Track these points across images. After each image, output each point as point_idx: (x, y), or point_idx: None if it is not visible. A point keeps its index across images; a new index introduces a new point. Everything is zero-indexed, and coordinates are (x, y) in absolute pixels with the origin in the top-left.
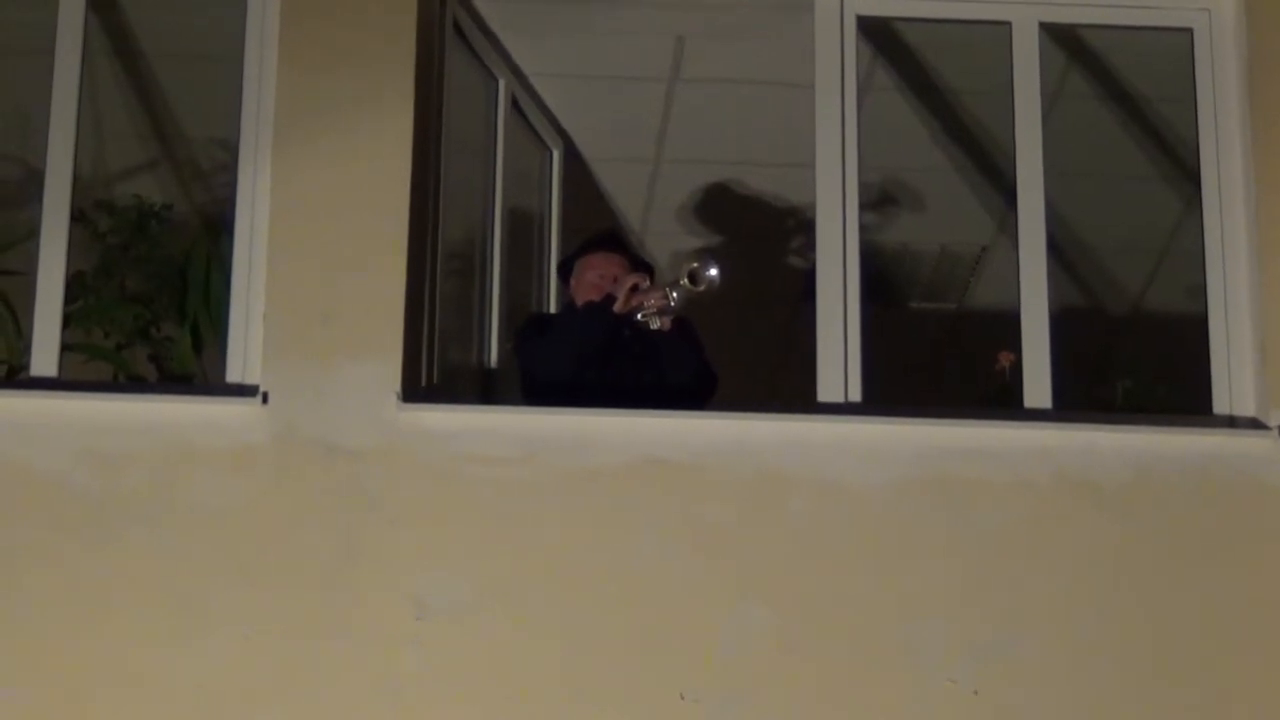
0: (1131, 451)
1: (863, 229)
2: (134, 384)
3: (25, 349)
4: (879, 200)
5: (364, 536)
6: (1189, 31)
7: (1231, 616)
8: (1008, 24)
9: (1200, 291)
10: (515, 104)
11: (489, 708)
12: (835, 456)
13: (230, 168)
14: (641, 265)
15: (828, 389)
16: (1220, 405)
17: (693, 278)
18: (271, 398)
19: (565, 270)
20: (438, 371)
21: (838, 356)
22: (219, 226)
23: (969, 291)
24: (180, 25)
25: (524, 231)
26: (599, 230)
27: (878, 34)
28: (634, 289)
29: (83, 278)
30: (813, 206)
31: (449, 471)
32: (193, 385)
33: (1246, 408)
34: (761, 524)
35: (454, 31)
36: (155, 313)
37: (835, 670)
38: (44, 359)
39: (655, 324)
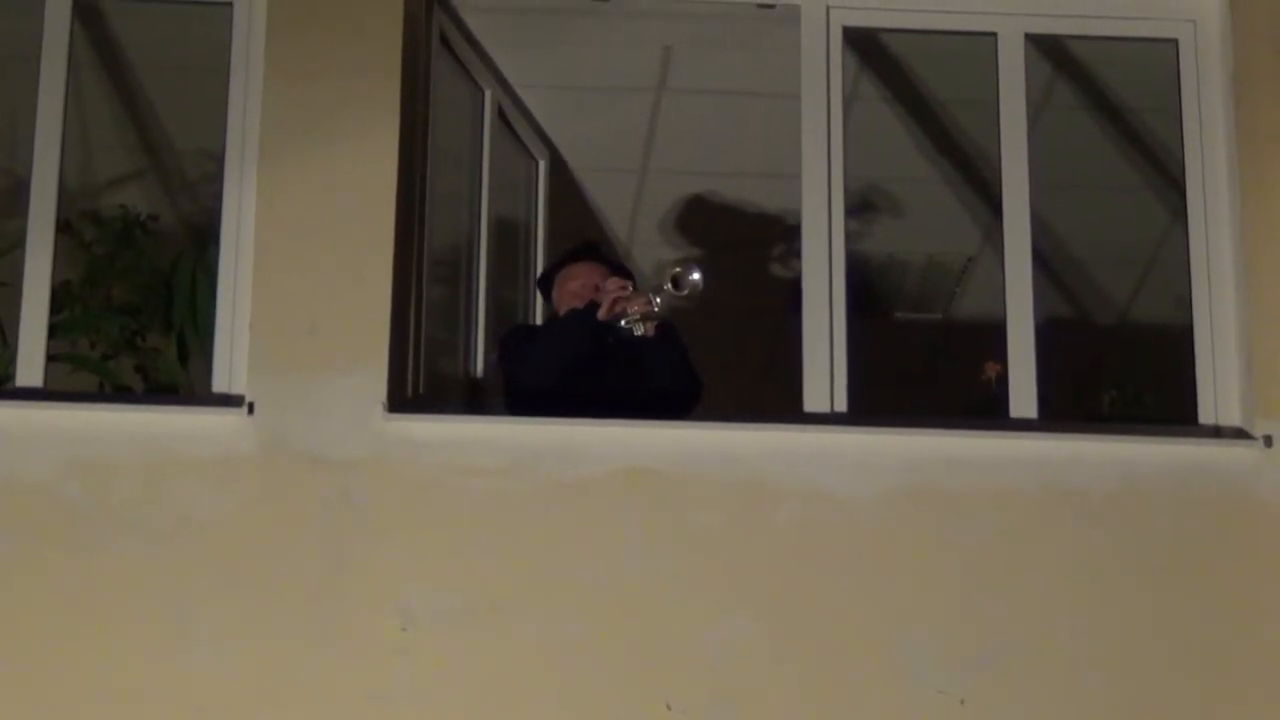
0: (1118, 461)
1: (849, 239)
2: (120, 394)
3: (11, 360)
4: (864, 210)
5: (350, 547)
6: (1174, 42)
7: (1218, 626)
8: (993, 35)
9: (1186, 302)
10: (501, 114)
11: (476, 718)
12: (821, 466)
13: (216, 178)
14: (622, 272)
15: (814, 399)
16: (1206, 415)
17: (675, 283)
18: (257, 408)
19: (545, 283)
20: (424, 382)
21: (824, 366)
22: (205, 237)
23: (955, 302)
24: (167, 36)
25: (510, 242)
26: (577, 243)
27: (864, 45)
28: (617, 297)
29: (69, 288)
30: (799, 216)
31: (435, 482)
32: (179, 396)
33: (1232, 418)
34: (748, 534)
35: (440, 43)
36: (141, 323)
37: (822, 680)
38: (30, 369)
39: (639, 330)
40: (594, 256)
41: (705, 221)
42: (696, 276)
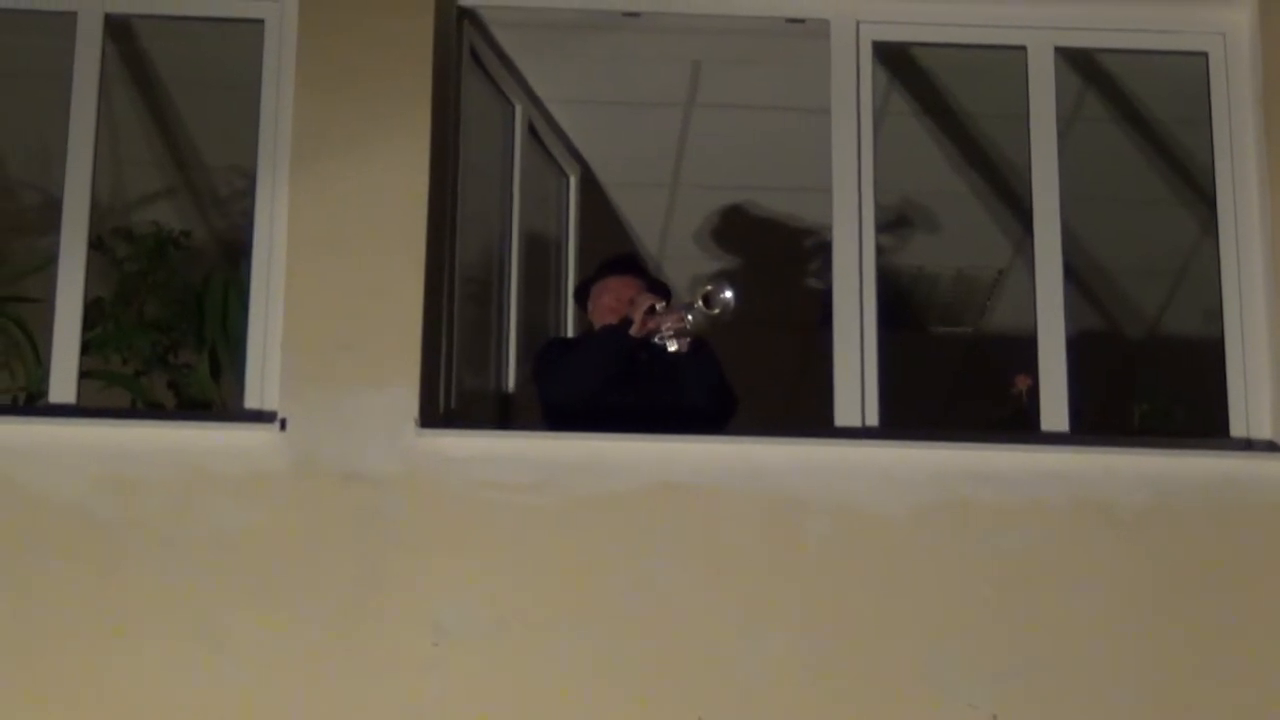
0: (1149, 474)
1: (879, 252)
2: (152, 410)
3: (44, 376)
4: (895, 223)
5: (382, 563)
6: (1204, 55)
7: (1250, 639)
8: (1023, 48)
9: (1217, 314)
10: (532, 129)
11: None
12: (852, 480)
13: (248, 194)
14: (658, 287)
15: (845, 413)
16: (1237, 428)
17: (707, 301)
18: (290, 424)
19: (582, 295)
20: (455, 397)
21: (855, 380)
22: (237, 253)
23: (986, 315)
24: (198, 53)
25: (541, 257)
26: (615, 254)
27: (894, 59)
28: (650, 311)
29: (101, 304)
30: (830, 230)
31: (467, 497)
32: (211, 412)
33: (1263, 430)
34: (779, 548)
35: (470, 58)
36: (173, 339)
37: (853, 694)
38: (62, 385)
39: (672, 346)
40: (631, 269)
41: (736, 236)
42: (728, 295)
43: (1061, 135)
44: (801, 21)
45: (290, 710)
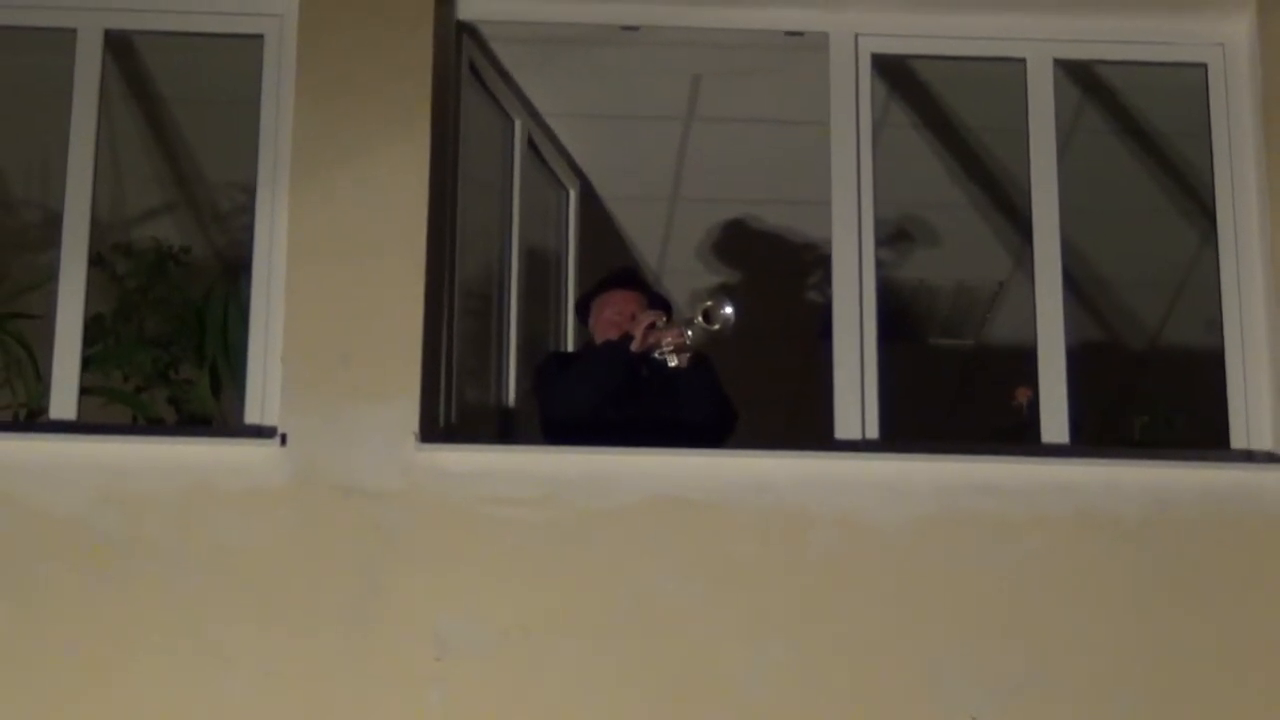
0: (1150, 486)
1: (879, 265)
2: (153, 426)
3: (44, 392)
4: (895, 236)
5: (383, 577)
6: (1203, 66)
7: (1252, 649)
8: (1022, 60)
9: (1217, 325)
10: (531, 144)
11: None
12: (853, 493)
13: (248, 210)
14: (659, 302)
15: (845, 426)
16: (1238, 440)
17: (707, 316)
18: (290, 439)
19: (583, 309)
20: (455, 411)
21: (855, 393)
22: (237, 268)
23: (986, 327)
24: (197, 69)
25: (541, 271)
26: (616, 268)
27: (893, 71)
28: (650, 327)
29: (101, 320)
30: (829, 243)
31: (468, 512)
32: (212, 427)
33: (1263, 441)
34: (780, 561)
35: (470, 73)
36: (174, 355)
37: (855, 706)
38: (63, 402)
39: (673, 361)
40: (632, 284)
41: (736, 249)
42: (728, 310)
43: (1061, 147)
44: (800, 34)
45: None
